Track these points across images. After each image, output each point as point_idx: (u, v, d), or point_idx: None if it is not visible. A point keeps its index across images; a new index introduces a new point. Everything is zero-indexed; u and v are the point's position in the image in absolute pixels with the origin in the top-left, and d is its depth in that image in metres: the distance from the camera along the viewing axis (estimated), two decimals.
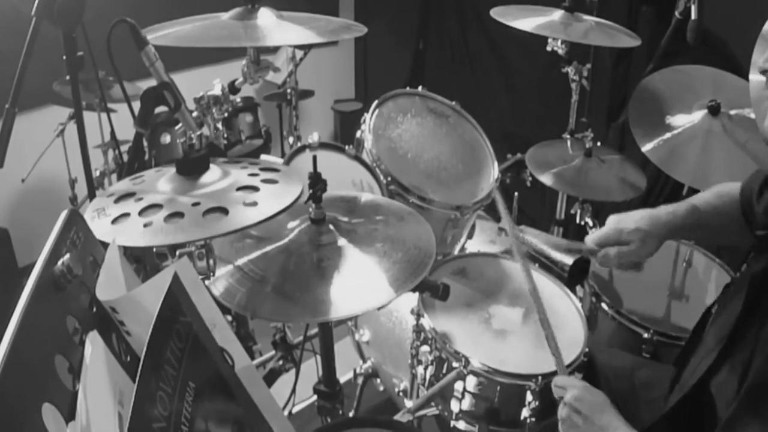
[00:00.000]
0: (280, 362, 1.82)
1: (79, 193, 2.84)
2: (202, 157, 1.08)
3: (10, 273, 2.60)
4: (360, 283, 1.10)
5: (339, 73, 4.52)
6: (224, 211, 0.97)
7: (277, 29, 1.49)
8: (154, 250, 1.36)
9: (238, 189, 1.04)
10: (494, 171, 1.85)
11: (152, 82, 1.30)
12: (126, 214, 0.97)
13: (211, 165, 1.10)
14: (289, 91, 3.00)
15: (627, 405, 1.28)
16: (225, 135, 1.83)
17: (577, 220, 2.26)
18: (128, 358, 0.73)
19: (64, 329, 0.64)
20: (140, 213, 0.97)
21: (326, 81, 4.29)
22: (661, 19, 2.45)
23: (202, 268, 1.08)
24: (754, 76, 1.00)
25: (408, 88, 1.90)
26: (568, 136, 2.26)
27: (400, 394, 1.62)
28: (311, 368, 1.78)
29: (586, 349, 1.39)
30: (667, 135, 1.81)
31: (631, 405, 1.28)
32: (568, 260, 1.64)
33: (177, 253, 1.06)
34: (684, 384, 1.09)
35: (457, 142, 1.87)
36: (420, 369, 1.47)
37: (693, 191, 2.00)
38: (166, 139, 2.54)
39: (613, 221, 1.30)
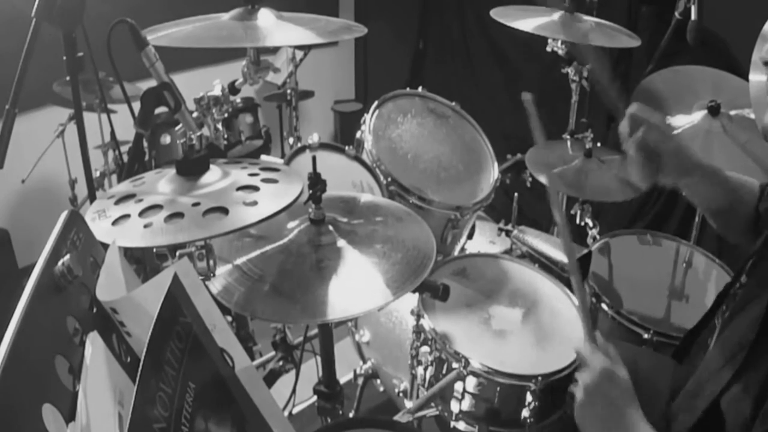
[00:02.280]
0: (280, 363, 1.82)
1: (79, 194, 2.84)
2: (202, 158, 1.08)
3: (11, 274, 2.60)
4: (360, 284, 1.10)
5: (339, 73, 4.52)
6: (224, 210, 0.97)
7: (277, 30, 1.49)
8: (155, 250, 1.36)
9: (238, 189, 1.04)
10: (494, 171, 1.85)
11: (152, 83, 1.30)
12: (126, 216, 0.97)
13: (211, 165, 1.10)
14: (289, 91, 3.00)
15: None
16: (225, 136, 1.83)
17: (577, 221, 2.26)
18: (128, 359, 0.73)
19: (64, 330, 0.64)
20: (140, 214, 0.98)
21: (326, 81, 4.29)
22: (661, 20, 2.45)
23: (202, 268, 1.08)
24: (754, 76, 1.00)
25: (408, 89, 1.90)
26: (568, 137, 2.26)
27: (400, 394, 1.62)
28: (311, 369, 1.78)
29: None
30: None
31: None
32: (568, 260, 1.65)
33: (177, 253, 1.06)
34: (693, 403, 1.04)
35: (457, 143, 1.87)
36: (420, 369, 1.47)
37: None
38: (166, 139, 2.54)
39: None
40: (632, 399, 0.97)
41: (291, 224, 1.21)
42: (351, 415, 1.79)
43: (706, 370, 1.06)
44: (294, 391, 1.76)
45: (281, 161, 1.55)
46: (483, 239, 2.14)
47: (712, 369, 1.03)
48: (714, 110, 1.78)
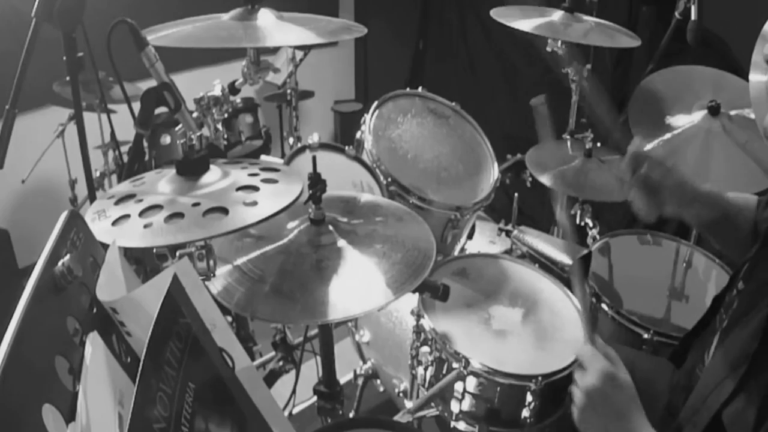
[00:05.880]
0: (281, 363, 1.82)
1: (80, 194, 2.84)
2: (202, 158, 1.08)
3: (11, 274, 2.60)
4: (360, 285, 1.10)
5: (339, 73, 4.52)
6: (224, 210, 0.97)
7: (277, 30, 1.49)
8: (155, 251, 1.36)
9: (238, 189, 1.04)
10: (494, 171, 1.85)
11: (152, 83, 1.30)
12: (126, 216, 0.97)
13: (211, 166, 1.10)
14: (289, 91, 3.00)
15: None
16: (225, 136, 1.83)
17: (578, 221, 2.26)
18: (128, 359, 0.73)
19: (64, 330, 0.64)
20: (140, 214, 0.98)
21: (326, 82, 4.29)
22: (661, 20, 2.45)
23: (202, 268, 1.08)
24: (754, 76, 1.00)
25: (408, 89, 1.90)
26: (568, 137, 2.26)
27: (400, 394, 1.62)
28: (311, 369, 1.78)
29: None
30: (667, 135, 1.81)
31: None
32: (568, 260, 1.65)
33: (177, 253, 1.06)
34: (695, 411, 1.02)
35: (457, 143, 1.88)
36: (420, 370, 1.47)
37: None
38: (167, 139, 2.54)
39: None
40: (635, 402, 0.95)
41: (291, 224, 1.22)
42: (351, 415, 1.79)
43: (707, 383, 1.04)
44: (294, 391, 1.76)
45: (281, 161, 1.55)
46: (483, 239, 2.14)
47: (714, 381, 1.01)
48: (714, 110, 1.78)
